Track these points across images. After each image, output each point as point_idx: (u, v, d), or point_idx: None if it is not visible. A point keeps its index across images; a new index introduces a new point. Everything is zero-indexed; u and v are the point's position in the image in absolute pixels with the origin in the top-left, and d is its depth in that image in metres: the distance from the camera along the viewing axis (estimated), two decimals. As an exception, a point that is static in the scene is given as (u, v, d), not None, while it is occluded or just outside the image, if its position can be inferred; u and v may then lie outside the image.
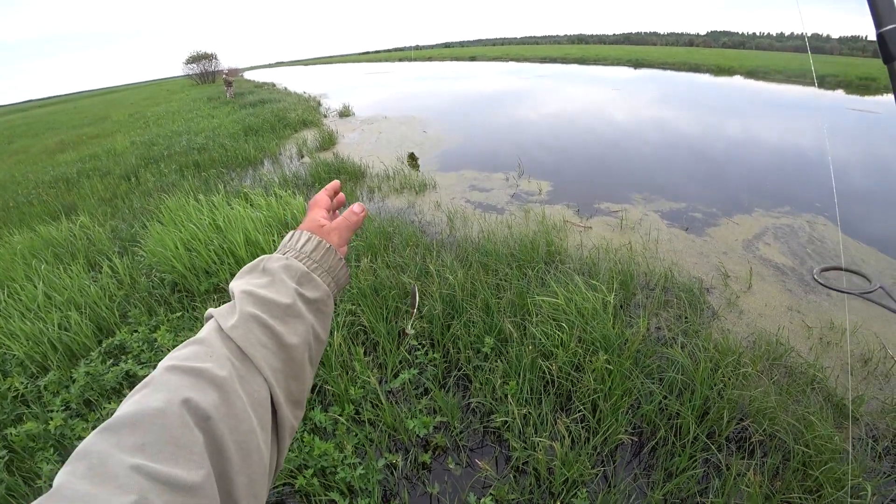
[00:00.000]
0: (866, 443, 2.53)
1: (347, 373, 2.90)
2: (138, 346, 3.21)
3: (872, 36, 0.67)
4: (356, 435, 2.58)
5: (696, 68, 28.37)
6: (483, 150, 8.80)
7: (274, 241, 4.23)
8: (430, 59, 52.86)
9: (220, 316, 0.54)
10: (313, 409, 2.69)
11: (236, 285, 0.59)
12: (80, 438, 2.45)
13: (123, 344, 3.30)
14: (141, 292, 3.97)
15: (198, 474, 0.38)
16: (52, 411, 2.76)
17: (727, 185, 6.43)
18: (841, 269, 1.26)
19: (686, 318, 3.36)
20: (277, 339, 0.53)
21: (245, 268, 0.62)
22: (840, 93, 17.99)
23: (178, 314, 3.56)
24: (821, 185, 6.38)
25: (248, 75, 52.20)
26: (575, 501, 2.11)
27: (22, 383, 2.98)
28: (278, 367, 0.52)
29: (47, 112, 46.61)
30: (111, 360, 3.13)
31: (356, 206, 0.71)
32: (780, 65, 27.22)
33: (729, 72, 26.18)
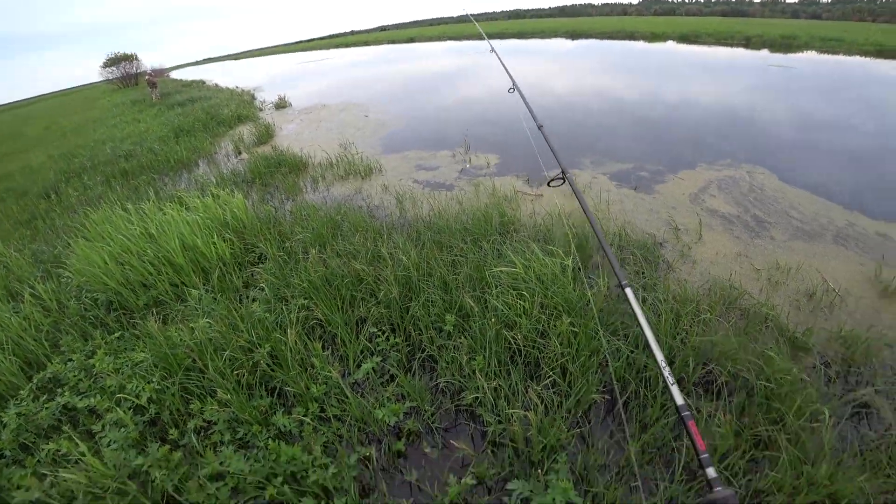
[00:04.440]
0: (820, 370, 2.63)
1: (307, 370, 2.75)
2: (74, 376, 2.90)
3: None
4: (324, 433, 2.44)
5: (631, 36, 29.00)
6: (427, 130, 8.63)
7: (214, 243, 3.96)
8: (366, 43, 51.56)
9: None
10: (275, 413, 2.53)
11: None
12: (20, 487, 2.19)
13: (57, 376, 2.97)
14: (72, 317, 3.61)
15: None
16: (-18, 463, 2.45)
17: (670, 144, 6.58)
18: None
19: (643, 273, 3.38)
20: None
21: None
22: (765, 51, 18.88)
23: (117, 335, 3.25)
24: (755, 137, 6.63)
25: (174, 74, 49.22)
26: (556, 466, 2.06)
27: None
28: None
29: (-50, 131, 42.30)
30: (45, 396, 2.81)
31: None
32: (710, 28, 28.23)
33: (662, 38, 26.92)
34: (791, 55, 17.51)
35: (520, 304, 2.80)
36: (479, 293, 3.05)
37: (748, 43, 22.28)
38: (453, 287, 3.09)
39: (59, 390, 2.82)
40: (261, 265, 3.81)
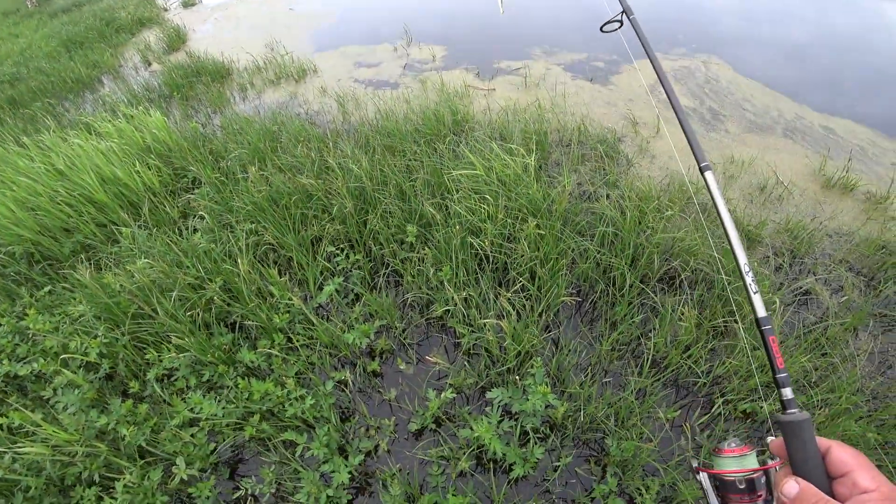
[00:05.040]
0: (771, 260, 2.74)
1: (266, 300, 2.52)
2: (9, 342, 2.52)
3: None
4: (295, 363, 2.30)
5: None
6: (363, 22, 7.68)
7: (138, 172, 3.41)
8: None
9: None
10: (240, 350, 2.33)
11: None
12: None
13: None
14: None
15: None
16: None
17: (622, 32, 6.24)
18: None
19: (605, 169, 3.29)
20: None
21: None
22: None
23: (47, 289, 2.83)
24: (708, 25, 6.42)
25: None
26: (532, 371, 2.05)
27: None
28: None
29: None
30: None
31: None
32: None
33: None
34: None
35: (483, 208, 2.63)
36: (439, 199, 2.84)
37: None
38: (411, 195, 2.86)
39: (-6, 360, 2.45)
40: (196, 191, 3.36)
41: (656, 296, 2.43)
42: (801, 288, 2.63)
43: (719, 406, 2.08)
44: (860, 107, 4.22)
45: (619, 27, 1.52)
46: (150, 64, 7.24)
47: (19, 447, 1.97)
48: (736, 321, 2.34)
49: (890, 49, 5.51)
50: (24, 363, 2.40)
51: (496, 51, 5.61)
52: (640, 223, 2.68)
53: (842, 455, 0.60)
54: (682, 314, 2.25)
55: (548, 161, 3.48)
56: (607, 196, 2.93)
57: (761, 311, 0.77)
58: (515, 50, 5.55)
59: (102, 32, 9.35)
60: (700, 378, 2.18)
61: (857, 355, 2.30)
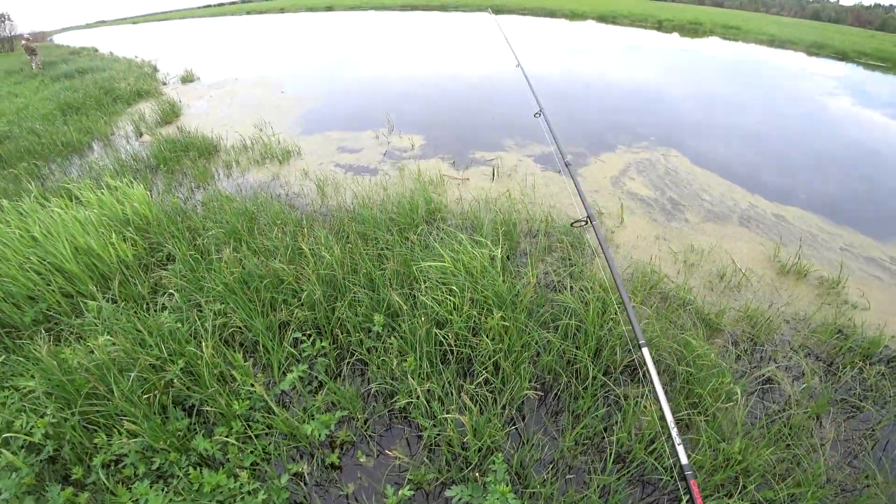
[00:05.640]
0: (731, 350, 2.80)
1: (227, 385, 2.49)
2: None
3: None
4: (252, 452, 2.23)
5: (552, 14, 29.48)
6: (349, 108, 8.22)
7: (113, 244, 3.46)
8: (282, 10, 48.31)
9: None
10: (195, 437, 2.26)
11: None
12: None
13: None
14: None
15: None
16: None
17: (591, 126, 6.74)
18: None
19: (570, 259, 3.42)
20: None
21: None
22: (675, 35, 19.98)
23: (1, 358, 2.75)
24: (668, 118, 6.97)
25: (59, 39, 43.37)
26: (493, 467, 2.02)
27: None
28: None
29: None
30: None
31: None
32: (626, 10, 29.37)
33: (582, 17, 27.64)
34: (698, 39, 18.68)
35: (450, 299, 2.71)
36: (407, 290, 2.92)
37: (660, 26, 23.49)
38: (381, 284, 2.93)
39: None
40: (170, 266, 3.41)
41: (619, 388, 2.45)
42: (763, 376, 2.67)
43: (683, 506, 2.04)
44: (807, 194, 4.53)
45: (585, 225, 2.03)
46: (141, 134, 7.50)
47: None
48: (699, 413, 2.35)
49: (832, 136, 6.01)
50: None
51: (471, 141, 5.99)
52: (602, 314, 2.76)
53: None
54: (645, 408, 2.26)
55: (516, 251, 3.62)
56: (570, 288, 3.02)
57: (684, 460, 0.86)
58: (490, 141, 5.94)
59: (100, 101, 9.74)
60: (664, 476, 2.15)
61: (822, 444, 2.30)
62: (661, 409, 0.97)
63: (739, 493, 2.02)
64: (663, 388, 2.46)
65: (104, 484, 2.13)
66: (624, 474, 2.17)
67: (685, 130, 6.41)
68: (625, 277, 3.28)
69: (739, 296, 3.26)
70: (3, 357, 2.78)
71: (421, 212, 3.85)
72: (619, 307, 2.65)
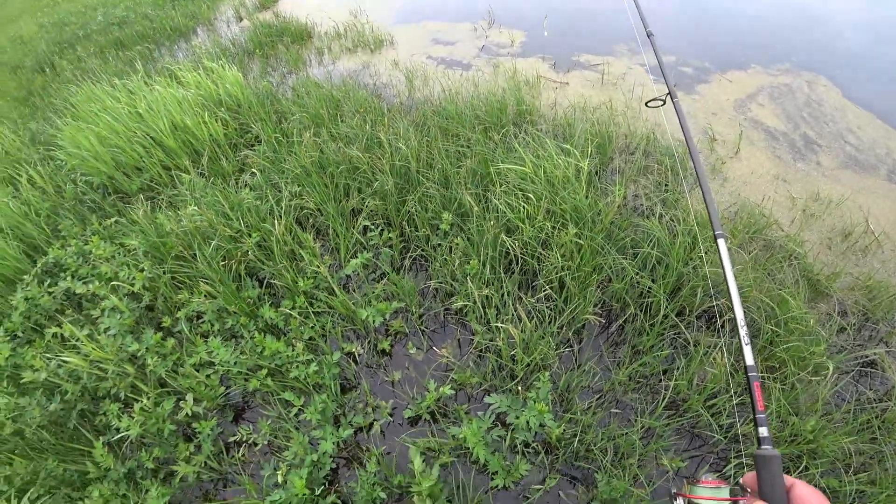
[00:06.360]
0: (835, 319, 2.44)
1: (295, 262, 2.60)
2: (74, 262, 2.84)
3: None
4: (311, 327, 2.37)
5: None
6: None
7: (206, 123, 3.59)
8: None
9: None
10: (262, 305, 2.45)
11: None
12: (31, 367, 2.23)
13: (58, 261, 2.92)
14: (69, 201, 3.49)
15: None
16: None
17: (722, 37, 5.71)
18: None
19: (666, 185, 3.06)
20: None
21: None
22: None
23: (113, 220, 3.14)
24: (825, 40, 5.74)
25: None
26: (538, 385, 1.98)
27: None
28: None
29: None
30: (49, 280, 2.79)
31: None
32: None
33: None
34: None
35: (524, 206, 2.53)
36: (481, 191, 2.77)
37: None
38: (454, 182, 2.79)
39: (62, 275, 2.77)
40: (256, 147, 3.49)
41: (691, 333, 2.25)
42: (866, 357, 2.33)
43: (731, 467, 1.91)
44: None
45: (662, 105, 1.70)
46: (241, 19, 7.55)
47: (65, 357, 2.20)
48: (776, 379, 2.12)
49: None
50: (83, 282, 2.65)
51: (579, 42, 5.33)
52: (691, 250, 2.47)
53: (803, 491, 0.69)
54: (715, 360, 2.07)
55: (607, 167, 3.28)
56: (660, 216, 2.72)
57: (750, 360, 0.89)
58: (600, 44, 5.24)
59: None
60: (717, 434, 2.00)
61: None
62: (730, 300, 0.89)
63: (798, 473, 1.85)
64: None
65: (186, 334, 2.40)
66: (673, 422, 2.05)
67: (843, 55, 5.25)
68: (726, 215, 2.90)
69: (863, 261, 2.77)
70: (116, 218, 3.16)
71: (510, 112, 3.56)
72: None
